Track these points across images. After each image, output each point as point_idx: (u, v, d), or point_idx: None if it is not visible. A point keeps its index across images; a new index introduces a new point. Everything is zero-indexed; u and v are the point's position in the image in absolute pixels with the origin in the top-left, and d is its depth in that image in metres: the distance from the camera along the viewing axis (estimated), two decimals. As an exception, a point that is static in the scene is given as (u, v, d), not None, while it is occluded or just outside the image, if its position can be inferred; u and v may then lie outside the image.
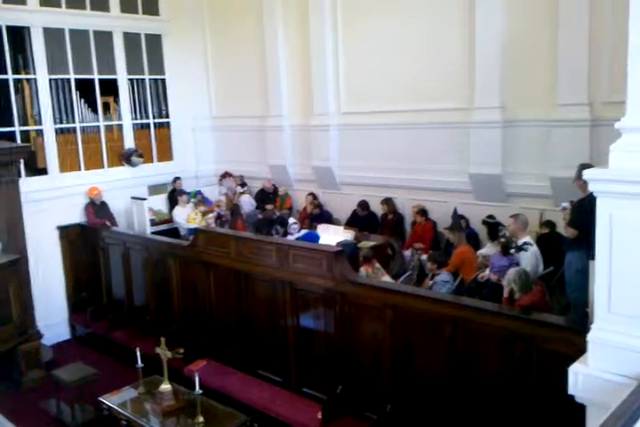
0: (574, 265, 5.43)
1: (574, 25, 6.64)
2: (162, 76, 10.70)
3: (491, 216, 7.22)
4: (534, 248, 6.26)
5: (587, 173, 3.29)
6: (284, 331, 6.65)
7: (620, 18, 5.56)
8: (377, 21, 8.58)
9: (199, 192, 10.62)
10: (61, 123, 9.37)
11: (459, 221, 7.50)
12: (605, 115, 6.37)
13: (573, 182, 5.73)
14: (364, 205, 9.00)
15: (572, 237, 5.44)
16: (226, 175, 10.95)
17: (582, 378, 3.34)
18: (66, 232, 9.31)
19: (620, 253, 3.20)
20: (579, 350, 3.61)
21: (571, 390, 3.41)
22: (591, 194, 3.37)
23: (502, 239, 6.50)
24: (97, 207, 9.36)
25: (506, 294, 5.50)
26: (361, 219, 9.00)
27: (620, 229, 3.19)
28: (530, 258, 6.12)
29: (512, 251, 6.31)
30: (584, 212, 5.09)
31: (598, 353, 3.31)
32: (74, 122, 9.50)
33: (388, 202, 8.71)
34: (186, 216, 9.63)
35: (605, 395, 3.15)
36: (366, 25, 8.74)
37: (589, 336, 3.39)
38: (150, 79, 10.54)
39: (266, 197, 10.36)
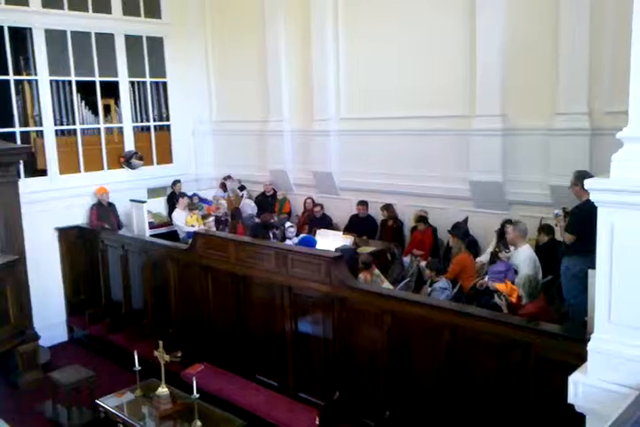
0: (571, 270, 5.44)
1: (575, 34, 6.66)
2: (163, 79, 10.72)
3: (509, 221, 7.22)
4: (529, 251, 6.27)
5: (588, 183, 3.31)
6: (282, 336, 6.65)
7: (621, 27, 5.60)
8: (378, 28, 8.60)
9: (194, 194, 10.57)
10: (62, 124, 9.38)
11: (467, 229, 7.51)
12: (605, 124, 6.41)
13: (569, 189, 5.75)
14: (364, 202, 8.94)
15: (569, 243, 5.46)
16: (229, 177, 10.94)
17: (582, 387, 3.34)
18: (64, 234, 9.31)
19: (620, 262, 3.21)
20: (576, 358, 3.63)
21: (570, 400, 3.41)
22: (588, 200, 3.38)
23: (496, 249, 6.52)
24: (102, 209, 9.35)
25: (514, 300, 5.49)
26: (360, 222, 8.97)
27: (621, 239, 3.20)
28: (525, 260, 6.13)
29: (500, 255, 6.33)
30: (581, 217, 5.13)
31: (598, 363, 3.31)
32: (74, 123, 9.51)
33: (387, 208, 8.69)
34: (185, 219, 9.62)
35: (605, 405, 3.15)
36: (368, 31, 8.76)
37: (589, 346, 3.38)
38: (151, 82, 10.56)
39: (265, 200, 10.36)
